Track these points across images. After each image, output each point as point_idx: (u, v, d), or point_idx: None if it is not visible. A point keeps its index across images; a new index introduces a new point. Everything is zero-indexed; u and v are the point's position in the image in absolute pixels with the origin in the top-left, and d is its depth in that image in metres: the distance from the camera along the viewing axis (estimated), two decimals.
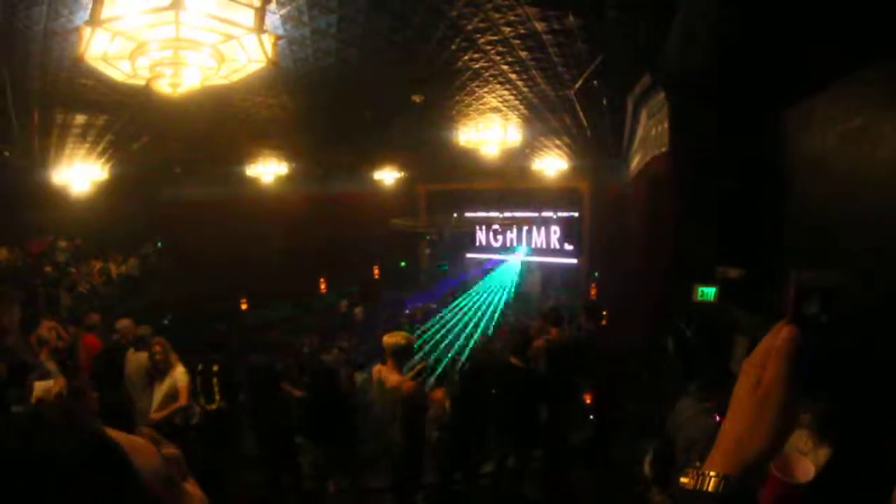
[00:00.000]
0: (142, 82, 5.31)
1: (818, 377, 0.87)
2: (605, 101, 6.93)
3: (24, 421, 0.63)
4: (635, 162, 7.81)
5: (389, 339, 5.04)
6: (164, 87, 5.11)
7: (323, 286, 14.52)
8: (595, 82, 6.11)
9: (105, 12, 4.46)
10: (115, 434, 0.68)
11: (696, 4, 3.42)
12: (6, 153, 8.19)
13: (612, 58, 5.38)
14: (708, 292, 5.19)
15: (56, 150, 8.95)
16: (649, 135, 5.97)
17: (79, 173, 9.65)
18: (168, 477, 0.76)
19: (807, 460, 1.67)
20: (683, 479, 0.89)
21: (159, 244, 13.71)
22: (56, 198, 10.20)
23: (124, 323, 6.59)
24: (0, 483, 0.58)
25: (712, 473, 0.84)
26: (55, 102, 7.11)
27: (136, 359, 5.86)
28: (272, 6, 5.15)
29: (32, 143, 8.19)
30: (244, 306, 12.45)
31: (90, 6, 4.53)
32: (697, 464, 0.88)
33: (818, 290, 0.87)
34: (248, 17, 5.02)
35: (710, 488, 0.83)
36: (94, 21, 4.47)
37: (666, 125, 5.01)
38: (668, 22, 3.90)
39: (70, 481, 0.61)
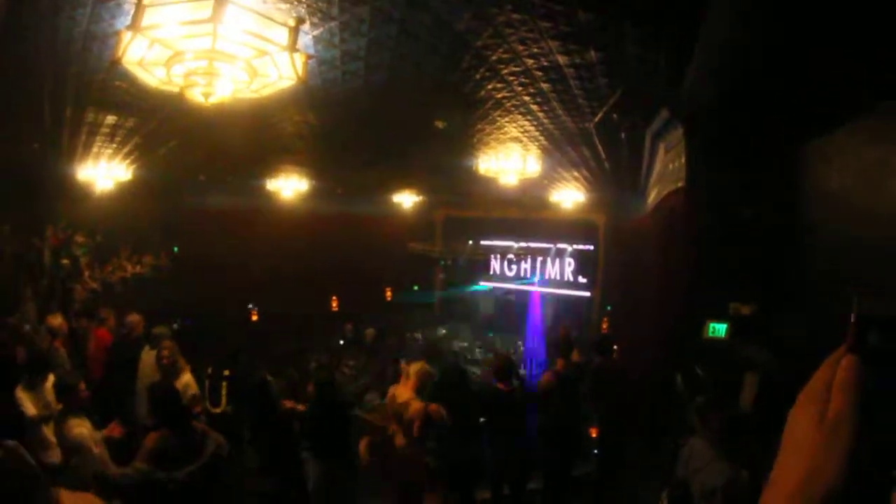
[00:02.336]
0: (175, 89, 5.52)
1: (882, 410, 0.84)
2: (623, 135, 7.03)
3: None
4: (652, 196, 7.86)
5: (416, 368, 5.33)
6: (197, 95, 5.31)
7: (335, 304, 14.58)
8: (614, 115, 6.22)
9: (146, 20, 4.68)
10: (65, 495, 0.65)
11: (714, 41, 3.52)
12: (35, 145, 8.39)
13: (632, 92, 5.49)
14: (719, 329, 5.18)
15: (84, 148, 9.15)
16: (666, 169, 6.04)
17: (103, 172, 9.90)
18: None
19: None
20: None
21: (176, 249, 13.86)
22: (79, 193, 10.45)
23: (133, 318, 6.72)
24: None
25: None
26: (88, 101, 7.32)
27: (150, 356, 5.96)
28: (306, 26, 5.33)
29: (62, 139, 8.41)
30: (254, 317, 12.55)
31: (131, 13, 4.75)
32: None
33: (879, 317, 0.84)
34: (282, 35, 5.23)
35: None
36: (134, 27, 4.69)
37: (683, 160, 5.08)
38: (688, 58, 4.00)
39: None
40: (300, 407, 6.34)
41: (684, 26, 3.72)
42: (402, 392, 5.32)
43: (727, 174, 4.55)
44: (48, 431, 4.75)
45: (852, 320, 0.83)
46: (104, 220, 12.01)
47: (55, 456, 4.53)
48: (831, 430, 0.80)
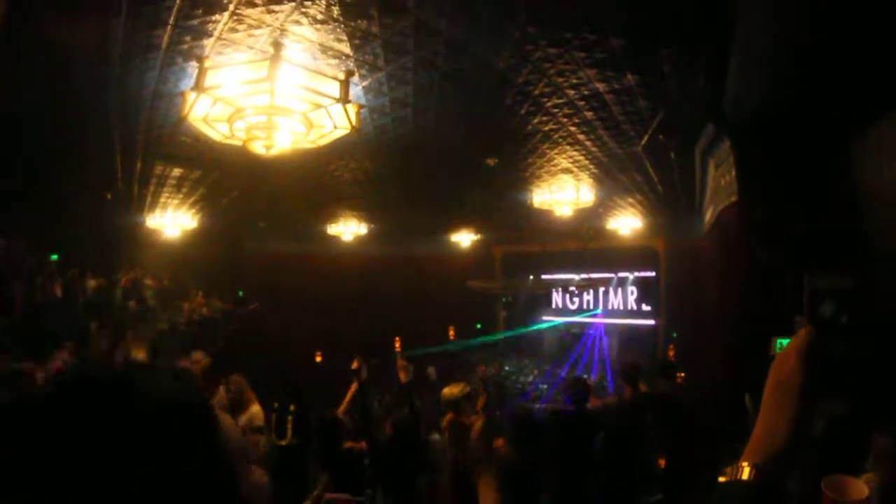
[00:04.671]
0: (238, 143, 5.93)
1: (840, 377, 0.94)
2: (672, 155, 7.00)
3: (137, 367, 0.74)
4: (708, 215, 7.72)
5: (448, 392, 5.19)
6: (259, 148, 5.69)
7: (398, 345, 14.79)
8: (660, 137, 6.24)
9: (208, 80, 5.14)
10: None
11: (748, 53, 3.56)
12: (108, 196, 9.06)
13: (674, 111, 5.52)
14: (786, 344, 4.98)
15: (152, 198, 9.84)
16: (718, 185, 5.97)
17: (170, 220, 10.57)
18: (244, 452, 0.84)
19: (860, 481, 1.67)
20: (721, 478, 0.95)
21: (241, 293, 14.43)
22: (148, 240, 11.15)
23: (197, 356, 6.99)
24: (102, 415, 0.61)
25: (745, 464, 0.91)
26: (156, 156, 7.90)
27: (219, 393, 6.22)
28: (355, 78, 5.68)
29: (132, 190, 9.06)
30: (318, 358, 12.84)
31: (195, 75, 5.23)
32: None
33: (833, 292, 0.92)
34: (335, 88, 5.58)
35: (744, 477, 0.90)
36: (198, 87, 5.14)
37: (734, 174, 5.03)
38: (725, 72, 4.03)
39: (165, 425, 0.65)
40: (359, 446, 6.41)
41: (717, 43, 3.79)
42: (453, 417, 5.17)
43: (781, 183, 4.47)
44: None
45: (806, 296, 0.93)
46: (171, 265, 12.77)
47: None
48: (783, 391, 0.92)
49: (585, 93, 5.80)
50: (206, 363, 7.07)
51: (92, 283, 10.71)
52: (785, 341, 5.15)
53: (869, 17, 2.91)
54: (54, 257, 10.12)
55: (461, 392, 5.21)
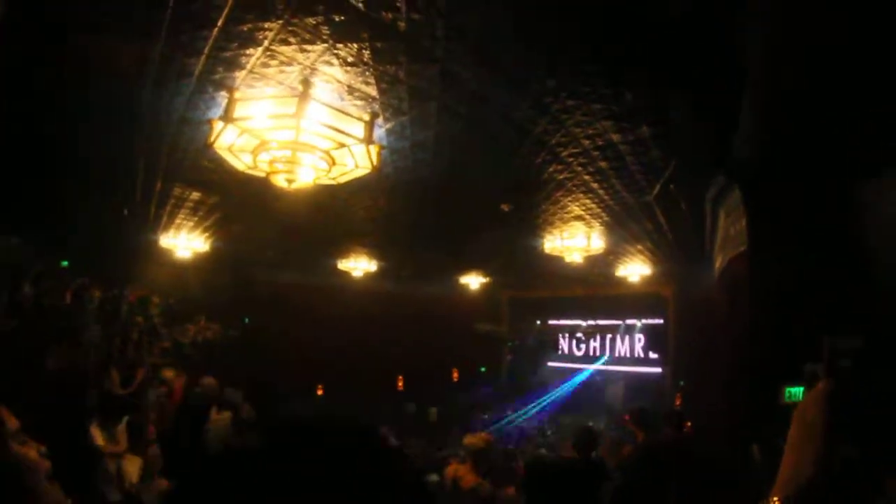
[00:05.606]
0: (260, 174, 6.08)
1: (857, 422, 1.10)
2: (683, 205, 7.18)
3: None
4: (717, 264, 7.85)
5: (471, 441, 5.16)
6: (281, 181, 5.86)
7: (400, 384, 14.74)
8: (672, 186, 6.43)
9: (237, 112, 5.35)
10: None
11: (758, 103, 3.75)
12: (125, 212, 9.16)
13: (686, 161, 5.72)
14: (796, 393, 5.03)
15: (168, 218, 9.96)
16: (728, 234, 6.12)
17: (183, 242, 10.75)
18: None
19: None
20: None
21: (246, 320, 14.44)
22: (158, 259, 11.29)
23: (209, 381, 6.96)
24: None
25: (775, 499, 1.05)
26: (177, 178, 8.05)
27: (219, 419, 6.23)
28: (379, 120, 5.91)
29: (149, 209, 9.20)
30: (320, 392, 12.78)
31: (223, 104, 5.44)
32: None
33: (846, 350, 1.17)
34: (359, 129, 5.80)
35: None
36: (227, 117, 5.35)
37: (743, 223, 5.18)
38: (735, 122, 4.23)
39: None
40: None
41: (728, 93, 4.00)
42: (466, 475, 5.01)
43: (790, 230, 4.60)
44: (112, 466, 5.01)
45: (825, 353, 1.18)
46: (179, 285, 12.92)
47: (117, 492, 4.79)
48: (807, 434, 1.07)
49: (600, 143, 6.02)
50: (212, 384, 7.10)
51: (98, 293, 10.81)
52: (795, 390, 5.21)
53: (875, 65, 3.09)
54: (64, 264, 10.22)
55: (483, 442, 5.22)
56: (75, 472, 3.48)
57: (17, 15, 4.17)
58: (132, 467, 4.74)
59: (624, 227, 9.40)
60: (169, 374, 7.41)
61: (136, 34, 4.59)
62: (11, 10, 4.17)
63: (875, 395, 1.16)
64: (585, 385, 15.87)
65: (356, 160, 6.05)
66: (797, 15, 3.05)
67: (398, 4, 4.08)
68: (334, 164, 6.06)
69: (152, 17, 4.30)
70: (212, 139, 5.58)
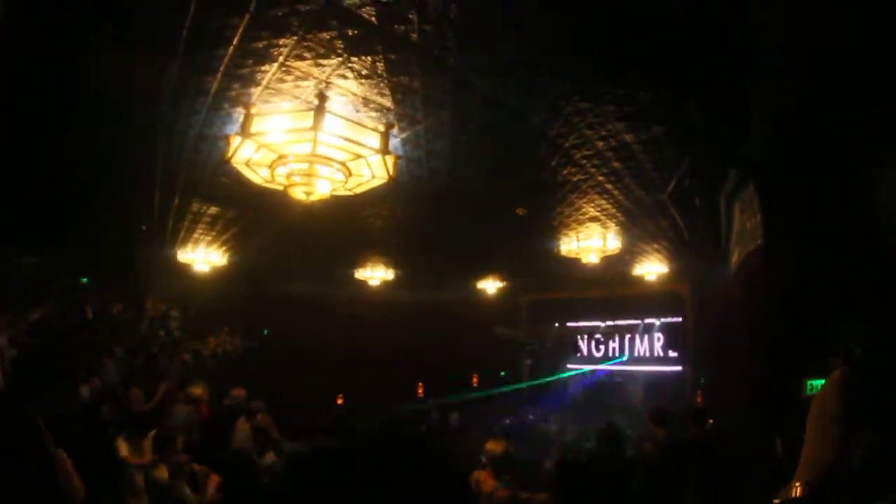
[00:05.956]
0: (278, 188, 6.17)
1: (874, 409, 1.15)
2: (698, 202, 7.19)
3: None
4: (734, 259, 7.83)
5: (491, 447, 5.20)
6: (299, 194, 5.96)
7: (420, 391, 14.78)
8: (686, 184, 6.45)
9: (254, 127, 5.47)
10: None
11: (770, 97, 3.79)
12: (144, 227, 9.33)
13: (699, 158, 5.76)
14: (818, 386, 5.00)
15: (186, 233, 10.10)
16: (744, 229, 6.12)
17: (201, 255, 10.86)
18: None
19: None
20: (776, 501, 1.16)
21: (265, 332, 14.54)
22: (177, 272, 11.39)
23: (238, 391, 7.04)
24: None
25: (797, 484, 1.11)
26: (195, 193, 8.20)
27: (245, 429, 6.34)
28: (394, 130, 6.00)
29: (167, 224, 9.34)
30: (340, 401, 12.86)
31: (240, 120, 5.56)
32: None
33: (862, 338, 1.21)
34: (374, 140, 5.90)
35: (797, 494, 1.10)
36: (244, 133, 5.47)
37: (759, 217, 5.19)
38: (748, 118, 4.26)
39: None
40: None
41: (739, 90, 4.05)
42: (487, 481, 4.97)
43: (805, 222, 4.60)
44: (140, 479, 5.15)
45: (840, 341, 1.23)
46: (198, 298, 13.04)
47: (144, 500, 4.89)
48: (825, 422, 1.13)
49: (614, 144, 6.08)
50: (241, 396, 7.18)
51: (118, 309, 11.00)
52: (817, 382, 5.21)
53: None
54: (84, 280, 10.46)
55: (503, 450, 5.26)
56: (103, 482, 3.59)
57: (38, 38, 4.33)
58: (163, 475, 4.87)
59: (639, 226, 9.40)
60: (197, 391, 7.52)
61: (154, 54, 4.73)
62: (38, 38, 4.34)
63: (893, 382, 1.21)
64: (606, 386, 15.80)
65: (373, 170, 6.14)
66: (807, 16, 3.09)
67: (410, 16, 4.20)
68: (351, 175, 6.15)
69: (170, 37, 4.45)
70: (229, 154, 5.70)
